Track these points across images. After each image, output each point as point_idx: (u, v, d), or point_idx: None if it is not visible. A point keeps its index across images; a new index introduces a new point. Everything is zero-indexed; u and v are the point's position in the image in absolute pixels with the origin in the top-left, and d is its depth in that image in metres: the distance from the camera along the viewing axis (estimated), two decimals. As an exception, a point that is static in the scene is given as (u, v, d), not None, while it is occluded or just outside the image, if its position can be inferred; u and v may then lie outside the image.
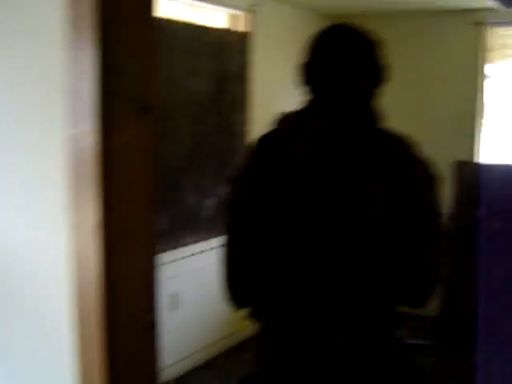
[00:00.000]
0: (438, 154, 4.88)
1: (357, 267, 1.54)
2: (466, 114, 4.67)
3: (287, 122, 1.65)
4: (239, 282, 1.74)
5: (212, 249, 3.66)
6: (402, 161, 1.53)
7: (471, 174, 4.61)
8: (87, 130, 1.07)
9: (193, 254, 3.81)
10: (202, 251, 3.83)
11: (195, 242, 3.82)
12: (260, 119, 3.87)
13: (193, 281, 3.84)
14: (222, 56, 3.92)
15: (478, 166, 4.64)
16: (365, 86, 1.60)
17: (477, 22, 4.48)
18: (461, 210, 4.63)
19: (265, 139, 1.66)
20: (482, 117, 4.67)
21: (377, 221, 1.51)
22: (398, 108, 5.02)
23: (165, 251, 3.41)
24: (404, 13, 4.73)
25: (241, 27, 4.15)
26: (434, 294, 1.58)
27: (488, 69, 4.62)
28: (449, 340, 4.55)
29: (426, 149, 1.60)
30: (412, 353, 1.84)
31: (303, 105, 1.64)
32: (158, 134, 1.22)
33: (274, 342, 1.66)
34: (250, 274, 1.70)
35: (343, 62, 1.57)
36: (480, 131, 4.69)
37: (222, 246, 1.74)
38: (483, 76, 4.61)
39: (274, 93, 4.29)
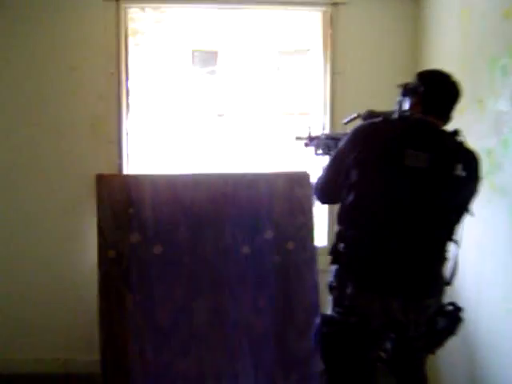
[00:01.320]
0: (75, 167, 3.91)
1: None
2: (108, 116, 3.71)
3: None
4: None
5: None
6: None
7: (119, 190, 3.71)
8: None
9: None
10: None
11: None
12: None
13: None
14: None
15: (126, 178, 3.76)
16: None
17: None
18: (114, 237, 3.67)
19: None
20: (127, 118, 3.77)
21: None
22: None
23: None
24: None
25: None
26: None
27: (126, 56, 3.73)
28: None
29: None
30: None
31: None
32: None
33: None
34: None
35: None
36: (126, 136, 3.79)
37: None
38: (120, 66, 3.69)
39: None
